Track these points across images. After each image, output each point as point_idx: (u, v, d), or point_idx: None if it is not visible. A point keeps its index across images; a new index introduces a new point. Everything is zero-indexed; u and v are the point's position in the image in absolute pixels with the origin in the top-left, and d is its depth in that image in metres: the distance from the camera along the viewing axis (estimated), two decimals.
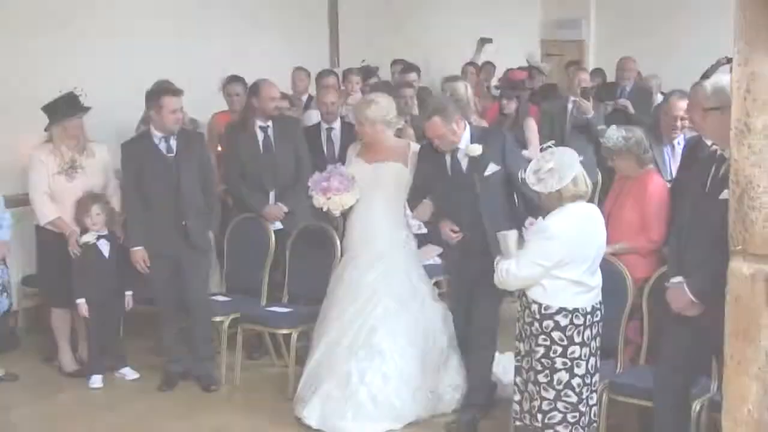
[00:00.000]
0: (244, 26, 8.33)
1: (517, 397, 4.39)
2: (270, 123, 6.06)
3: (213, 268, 5.97)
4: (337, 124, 6.58)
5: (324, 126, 6.57)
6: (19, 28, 6.57)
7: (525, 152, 7.33)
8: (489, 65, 10.33)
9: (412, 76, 8.00)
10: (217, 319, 5.64)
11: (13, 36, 6.50)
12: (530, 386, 4.28)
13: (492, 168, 4.79)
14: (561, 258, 4.12)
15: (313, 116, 7.06)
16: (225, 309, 5.70)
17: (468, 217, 4.82)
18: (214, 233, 5.80)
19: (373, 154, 5.20)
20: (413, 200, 5.12)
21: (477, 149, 4.79)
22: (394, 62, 8.93)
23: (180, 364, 5.64)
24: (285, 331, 5.51)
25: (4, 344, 6.12)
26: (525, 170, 4.35)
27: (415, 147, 5.22)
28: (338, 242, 5.66)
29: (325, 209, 5.14)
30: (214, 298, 5.80)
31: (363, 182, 5.14)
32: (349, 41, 9.58)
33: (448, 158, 4.88)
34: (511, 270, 4.19)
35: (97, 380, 5.60)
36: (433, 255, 6.75)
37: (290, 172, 6.03)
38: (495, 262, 4.32)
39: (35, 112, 5.78)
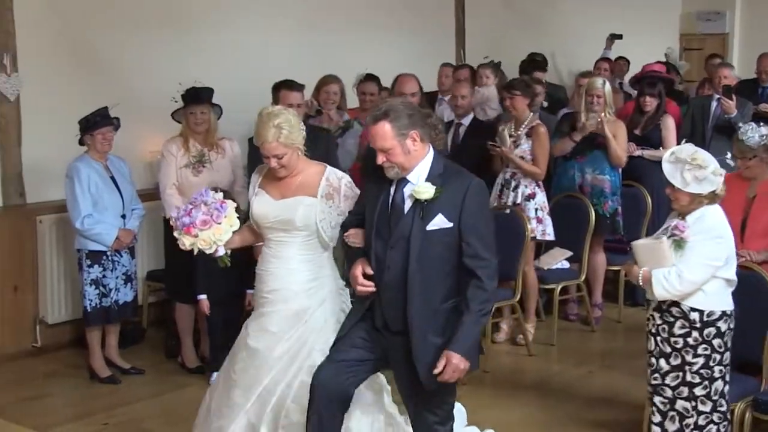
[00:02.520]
0: (369, 21, 8.40)
1: (657, 419, 4.27)
2: None
3: None
4: (466, 120, 6.59)
5: (454, 122, 6.58)
6: (145, 23, 6.81)
7: (660, 152, 7.17)
8: (623, 61, 10.09)
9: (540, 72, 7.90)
10: None
11: (138, 32, 6.74)
12: (681, 403, 4.19)
13: (440, 222, 3.65)
14: (727, 256, 4.13)
15: (445, 112, 7.06)
16: None
17: (391, 274, 3.71)
18: None
19: (282, 187, 4.16)
20: (349, 225, 4.02)
21: (427, 191, 3.66)
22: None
23: None
24: None
25: (130, 338, 6.37)
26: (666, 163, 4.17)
27: (333, 173, 4.20)
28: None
29: (196, 251, 4.14)
30: None
31: (268, 222, 4.16)
32: (475, 37, 9.56)
33: (392, 189, 3.77)
34: (685, 276, 4.08)
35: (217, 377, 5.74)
36: (560, 258, 6.69)
37: None
38: (638, 276, 4.19)
39: (161, 107, 6.00)
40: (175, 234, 4.15)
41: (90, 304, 5.72)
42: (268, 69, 6.61)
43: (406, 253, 3.65)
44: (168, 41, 6.89)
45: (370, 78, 6.96)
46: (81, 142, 5.72)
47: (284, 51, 7.41)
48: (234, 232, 4.17)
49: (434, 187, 3.66)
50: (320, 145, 5.49)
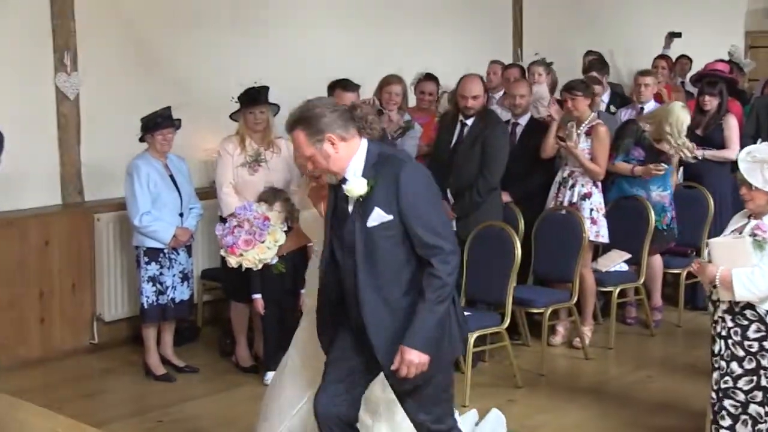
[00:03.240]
0: (427, 20, 8.39)
1: (727, 422, 4.20)
2: (469, 121, 6.05)
3: None
4: (524, 120, 6.56)
5: (511, 121, 6.55)
6: (203, 23, 6.88)
7: (723, 152, 7.05)
8: (685, 59, 9.94)
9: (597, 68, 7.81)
10: None
11: (196, 32, 6.82)
12: (754, 407, 4.14)
13: (378, 216, 3.45)
14: None
15: (500, 112, 7.03)
16: None
17: (348, 279, 3.56)
18: None
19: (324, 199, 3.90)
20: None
21: (358, 187, 3.46)
22: (589, 54, 8.77)
23: None
24: None
25: (185, 337, 6.45)
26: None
27: None
28: (518, 245, 5.64)
29: (244, 269, 4.17)
30: None
31: (315, 238, 4.03)
32: (532, 36, 9.50)
33: (332, 195, 3.65)
34: None
35: (272, 376, 5.78)
36: (618, 261, 6.61)
37: (470, 172, 6.01)
38: (714, 274, 4.12)
39: (217, 106, 6.06)
40: (221, 252, 4.13)
41: (147, 301, 5.80)
42: (325, 68, 6.63)
43: (353, 255, 3.51)
44: (226, 41, 6.96)
45: (429, 77, 6.95)
46: (142, 139, 5.80)
47: (342, 50, 7.43)
48: (289, 236, 4.15)
49: (365, 181, 3.48)
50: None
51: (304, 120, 3.50)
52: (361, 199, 3.48)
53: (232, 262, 4.09)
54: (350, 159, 3.51)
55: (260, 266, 4.11)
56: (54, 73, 6.23)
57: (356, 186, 3.47)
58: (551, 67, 7.96)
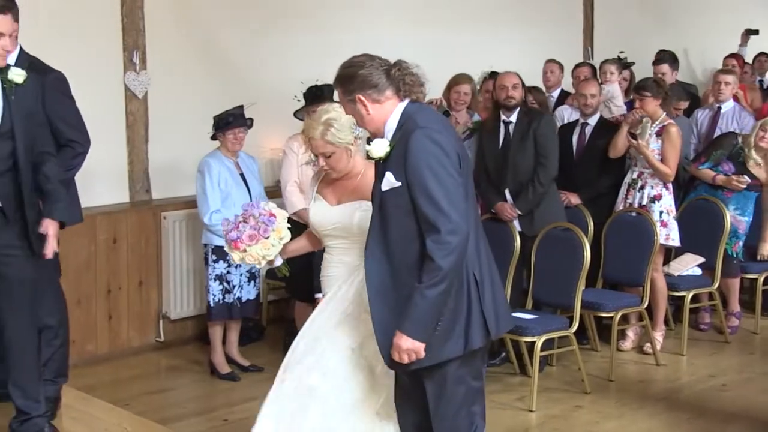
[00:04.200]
0: (494, 18, 8.35)
1: None
2: (512, 118, 6.03)
3: None
4: (593, 120, 6.50)
5: (580, 121, 6.49)
6: (275, 22, 6.95)
7: None
8: (763, 56, 9.73)
9: (663, 68, 7.69)
10: None
11: (262, 31, 6.89)
12: None
13: (389, 181, 3.36)
14: None
15: (565, 112, 6.97)
16: None
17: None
18: None
19: (338, 192, 4.00)
20: None
21: (378, 149, 3.41)
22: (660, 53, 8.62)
23: None
24: (529, 339, 5.46)
25: (250, 336, 6.52)
26: None
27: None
28: (587, 247, 5.58)
29: (247, 266, 4.14)
30: None
31: (326, 230, 3.98)
32: (603, 33, 9.39)
33: None
34: None
35: None
36: (691, 265, 6.49)
37: (527, 167, 5.98)
38: None
39: (282, 104, 6.10)
40: (225, 248, 4.08)
41: (213, 299, 5.87)
42: None
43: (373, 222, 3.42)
44: (291, 40, 7.01)
45: (495, 75, 6.91)
46: (214, 137, 5.86)
47: (407, 49, 7.34)
48: (293, 239, 4.09)
49: (386, 144, 3.38)
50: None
51: (341, 79, 3.49)
52: (381, 162, 3.40)
53: (236, 257, 4.02)
54: (384, 121, 3.41)
55: (263, 263, 4.03)
56: (123, 71, 6.35)
57: (376, 147, 3.39)
58: (630, 67, 7.86)
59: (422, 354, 3.31)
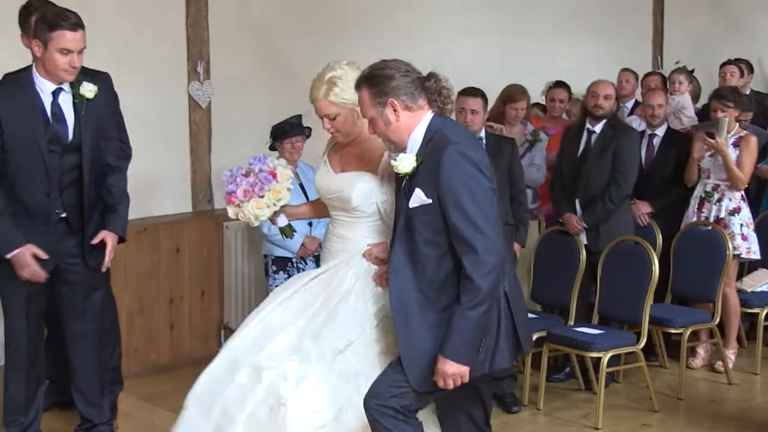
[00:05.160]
0: (559, 27, 8.29)
1: None
2: (597, 128, 5.93)
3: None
4: (661, 131, 6.39)
5: (647, 132, 6.39)
6: (341, 33, 6.96)
7: None
8: None
9: (731, 68, 7.53)
10: None
11: (334, 41, 6.91)
12: None
13: (418, 198, 3.29)
14: None
15: (634, 123, 6.88)
16: (531, 327, 5.65)
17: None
18: (521, 245, 5.79)
19: (344, 159, 3.82)
20: None
21: (405, 164, 3.31)
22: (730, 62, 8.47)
23: None
24: (595, 355, 5.37)
25: None
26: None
27: None
28: (656, 261, 5.48)
29: (243, 221, 3.95)
30: None
31: (327, 197, 3.83)
32: (673, 42, 9.25)
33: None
34: None
35: None
36: (766, 280, 6.34)
37: (601, 181, 5.88)
38: None
39: None
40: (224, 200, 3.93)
41: None
42: (458, 75, 6.60)
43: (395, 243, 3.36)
44: (354, 49, 6.97)
45: (560, 84, 6.90)
46: (272, 148, 5.89)
47: (473, 58, 7.41)
48: (306, 203, 4.01)
49: (414, 158, 3.30)
50: (504, 155, 5.46)
51: (372, 78, 3.39)
52: (408, 177, 3.32)
53: (230, 212, 3.88)
54: (411, 131, 3.35)
55: (256, 223, 3.88)
56: (187, 81, 6.43)
57: (404, 163, 3.31)
58: (693, 75, 7.73)
59: (467, 378, 3.30)
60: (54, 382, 5.05)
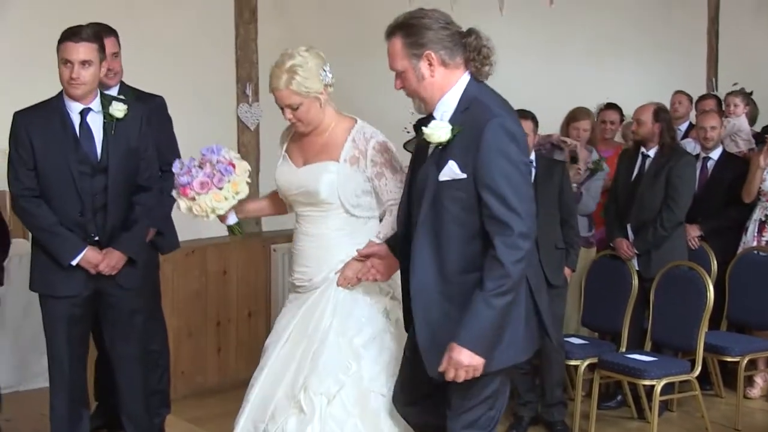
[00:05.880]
0: (613, 49, 8.25)
1: None
2: (651, 152, 5.85)
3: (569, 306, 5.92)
4: (715, 154, 6.31)
5: (701, 155, 6.31)
6: (377, 52, 6.97)
7: None
8: None
9: None
10: (572, 363, 5.56)
11: (379, 62, 6.91)
12: None
13: (451, 172, 3.03)
14: None
15: (688, 146, 6.79)
16: (581, 353, 5.59)
17: (407, 249, 3.17)
18: (572, 269, 5.72)
19: (306, 150, 3.68)
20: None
21: (439, 133, 3.03)
22: None
23: (530, 408, 5.61)
24: (647, 382, 5.27)
25: None
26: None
27: (360, 131, 3.78)
28: (710, 286, 5.38)
29: (194, 217, 3.71)
30: (569, 340, 5.73)
31: (292, 194, 3.70)
32: (728, 64, 9.14)
33: (419, 129, 3.21)
34: None
35: None
36: None
37: (654, 205, 5.80)
38: None
39: (392, 136, 6.05)
40: (173, 194, 3.71)
41: None
42: (511, 99, 6.60)
43: (420, 206, 3.06)
44: (381, 67, 7.00)
45: (611, 106, 6.83)
46: None
47: (527, 82, 7.37)
48: (265, 197, 3.87)
49: (449, 128, 3.01)
50: (555, 177, 5.41)
51: (408, 27, 3.10)
52: (440, 147, 3.05)
53: (182, 206, 3.66)
54: (444, 91, 3.09)
55: (211, 217, 3.66)
56: (236, 103, 6.48)
57: (437, 131, 3.03)
58: (750, 97, 7.62)
59: (480, 372, 3.01)
60: (102, 404, 5.10)
